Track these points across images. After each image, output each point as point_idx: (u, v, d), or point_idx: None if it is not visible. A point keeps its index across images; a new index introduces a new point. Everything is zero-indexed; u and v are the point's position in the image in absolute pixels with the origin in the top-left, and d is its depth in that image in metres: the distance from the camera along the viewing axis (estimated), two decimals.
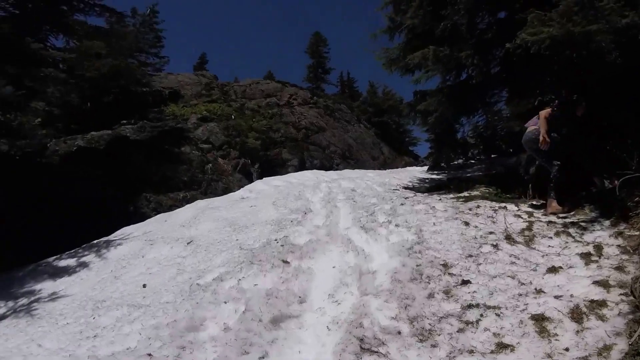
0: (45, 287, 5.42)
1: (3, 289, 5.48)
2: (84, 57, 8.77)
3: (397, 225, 4.92)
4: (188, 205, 8.66)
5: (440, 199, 6.46)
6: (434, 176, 11.51)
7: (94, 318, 4.04)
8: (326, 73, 33.23)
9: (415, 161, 23.70)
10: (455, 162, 12.81)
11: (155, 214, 8.60)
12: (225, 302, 3.55)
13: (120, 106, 10.26)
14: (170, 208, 8.85)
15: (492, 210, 5.14)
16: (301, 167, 13.87)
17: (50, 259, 6.40)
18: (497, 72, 7.85)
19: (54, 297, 4.98)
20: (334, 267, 4.07)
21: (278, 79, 22.66)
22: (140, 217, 8.38)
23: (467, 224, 4.65)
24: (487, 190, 6.92)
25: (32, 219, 7.03)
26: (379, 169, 17.81)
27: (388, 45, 9.42)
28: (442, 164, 12.52)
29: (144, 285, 4.60)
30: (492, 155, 12.45)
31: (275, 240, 5.04)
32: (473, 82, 7.73)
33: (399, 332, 2.78)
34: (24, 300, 5.07)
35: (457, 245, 4.08)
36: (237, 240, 5.48)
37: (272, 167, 12.78)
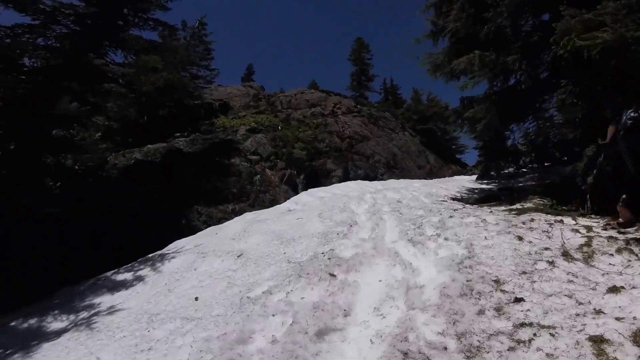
0: (104, 300, 5.81)
1: (66, 302, 5.98)
2: (141, 72, 9.42)
3: (446, 239, 4.88)
4: (237, 218, 9.06)
5: (491, 212, 6.27)
6: (484, 186, 11.26)
7: (148, 331, 4.26)
8: (369, 80, 33.20)
9: (463, 169, 23.12)
10: (506, 171, 12.44)
11: (206, 227, 9.10)
12: (274, 315, 3.68)
13: (173, 119, 10.99)
14: (220, 221, 9.33)
15: (548, 224, 4.96)
16: (345, 177, 14.00)
17: (109, 273, 6.89)
18: (545, 76, 7.67)
19: (111, 310, 5.33)
20: (380, 281, 4.10)
21: (322, 88, 23.07)
22: (192, 230, 8.91)
23: (520, 238, 4.54)
24: (542, 202, 6.72)
25: (92, 233, 7.60)
26: (425, 178, 17.60)
27: (432, 50, 9.52)
28: (492, 173, 12.25)
29: (196, 298, 4.83)
30: (545, 164, 12.13)
31: (322, 253, 5.16)
32: (522, 87, 7.62)
33: (445, 348, 2.78)
34: (84, 314, 5.47)
35: (510, 261, 4.00)
36: (284, 253, 5.68)
37: (317, 178, 13.04)
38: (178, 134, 11.21)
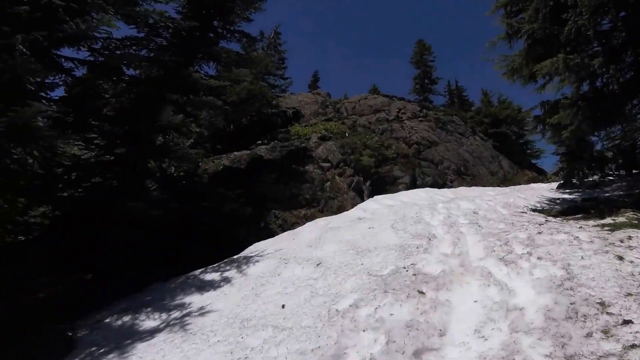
0: (194, 300, 6.27)
1: (158, 300, 6.55)
2: (231, 84, 10.43)
3: (539, 258, 4.89)
4: (309, 224, 9.72)
5: (581, 227, 6.18)
6: (566, 196, 10.91)
7: (242, 337, 4.51)
8: (433, 83, 32.67)
9: (540, 176, 22.13)
10: (590, 179, 11.85)
11: (281, 230, 9.95)
12: (364, 331, 3.87)
13: (254, 128, 12.09)
14: (293, 225, 10.16)
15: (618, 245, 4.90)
16: (412, 184, 14.18)
17: (197, 272, 7.57)
18: (628, 78, 7.46)
19: (202, 311, 5.75)
20: (475, 302, 4.14)
21: (383, 92, 23.27)
22: (268, 233, 9.80)
23: (620, 258, 4.51)
24: (636, 217, 6.51)
25: (184, 233, 8.59)
26: (499, 185, 17.22)
27: (506, 52, 9.38)
28: (575, 181, 11.75)
29: (283, 306, 5.19)
30: (634, 171, 11.50)
31: (404, 268, 5.37)
32: (608, 90, 7.41)
33: None
34: (176, 313, 5.86)
35: (613, 282, 3.99)
36: (362, 264, 6.00)
37: (384, 185, 13.46)
38: (259, 142, 12.32)
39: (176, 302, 6.37)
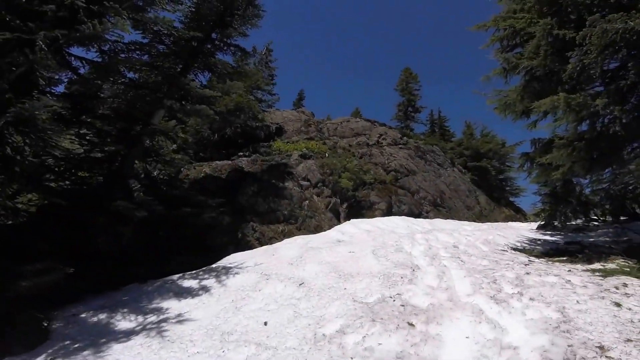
0: (172, 306, 6.38)
1: (135, 301, 6.71)
2: (221, 95, 10.91)
3: (531, 299, 5.09)
4: (288, 241, 10.21)
5: (570, 270, 6.45)
6: (547, 237, 11.16)
7: (223, 351, 4.54)
8: (417, 112, 33.61)
9: (517, 214, 22.87)
10: (573, 223, 11.99)
11: (258, 244, 10.38)
12: (352, 358, 3.94)
13: (238, 139, 12.52)
14: (271, 240, 10.61)
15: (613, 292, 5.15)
16: (388, 211, 14.71)
17: (175, 277, 7.77)
18: (630, 120, 7.32)
19: (180, 319, 5.85)
20: (467, 337, 4.24)
21: (366, 117, 23.84)
22: (245, 245, 10.20)
23: (618, 305, 4.68)
24: (627, 264, 6.69)
25: (164, 238, 8.88)
26: (475, 220, 17.69)
27: (500, 87, 9.70)
28: (557, 224, 11.79)
29: (265, 323, 5.33)
30: (621, 218, 11.57)
31: (391, 297, 5.53)
32: (609, 132, 7.25)
33: None
34: (152, 317, 5.97)
35: (612, 328, 4.09)
36: (345, 289, 6.23)
37: (360, 209, 14.08)
38: (241, 153, 12.77)
39: (153, 305, 6.52)
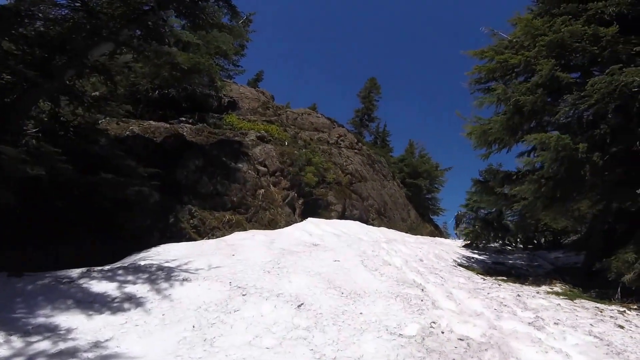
0: (76, 325, 3.84)
1: (1, 309, 3.91)
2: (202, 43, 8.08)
3: (558, 324, 4.86)
4: (243, 236, 8.07)
5: (538, 292, 6.45)
6: (476, 256, 11.40)
7: None
8: (371, 121, 33.29)
9: (435, 231, 23.70)
10: (492, 245, 13.33)
11: (195, 233, 7.86)
12: None
13: (183, 102, 9.77)
14: (213, 230, 8.12)
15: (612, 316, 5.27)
16: (342, 214, 13.26)
17: (75, 273, 5.07)
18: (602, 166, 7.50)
19: (101, 354, 3.33)
20: None
21: (321, 112, 22.38)
22: (177, 233, 7.65)
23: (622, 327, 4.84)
24: (567, 287, 7.05)
25: (64, 210, 6.07)
26: (407, 232, 17.17)
27: (467, 115, 9.56)
28: (478, 244, 13.16)
29: None
30: (529, 246, 13.34)
31: (432, 327, 4.25)
32: (580, 174, 7.42)
33: None
34: (44, 345, 3.40)
35: None
36: (361, 313, 4.55)
37: (316, 208, 12.09)
38: (183, 118, 9.99)
39: (39, 320, 3.82)
